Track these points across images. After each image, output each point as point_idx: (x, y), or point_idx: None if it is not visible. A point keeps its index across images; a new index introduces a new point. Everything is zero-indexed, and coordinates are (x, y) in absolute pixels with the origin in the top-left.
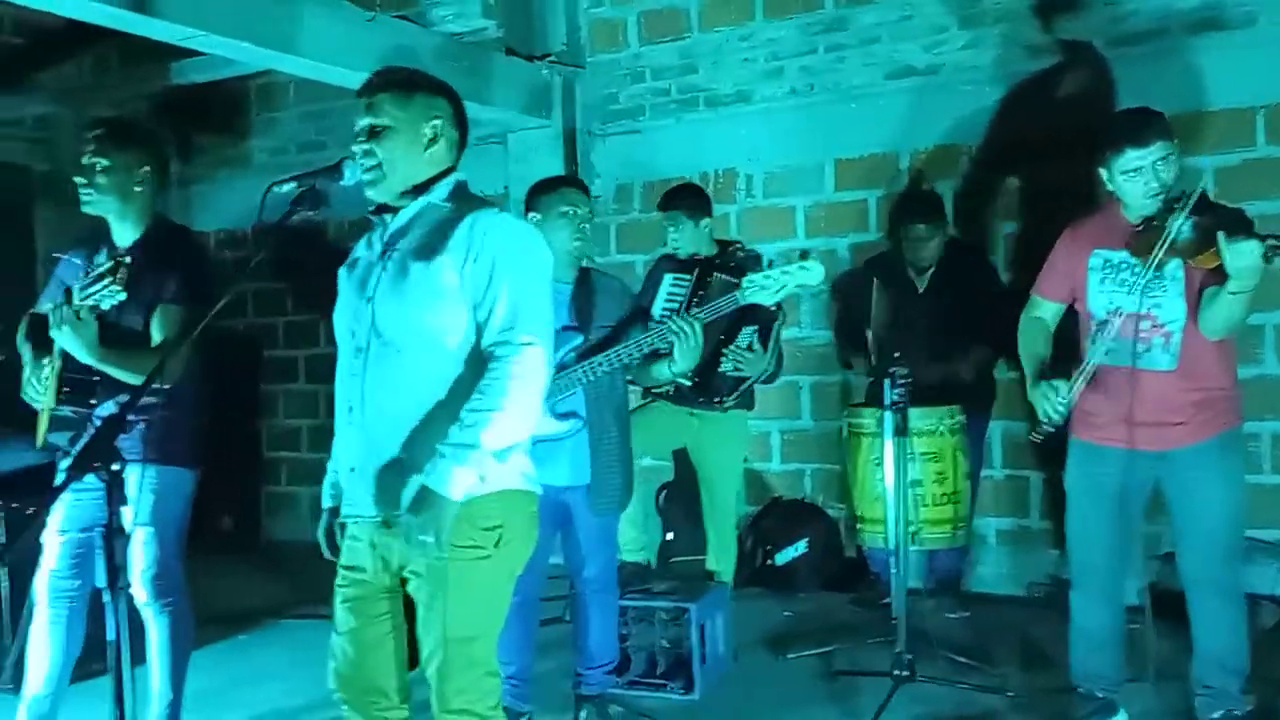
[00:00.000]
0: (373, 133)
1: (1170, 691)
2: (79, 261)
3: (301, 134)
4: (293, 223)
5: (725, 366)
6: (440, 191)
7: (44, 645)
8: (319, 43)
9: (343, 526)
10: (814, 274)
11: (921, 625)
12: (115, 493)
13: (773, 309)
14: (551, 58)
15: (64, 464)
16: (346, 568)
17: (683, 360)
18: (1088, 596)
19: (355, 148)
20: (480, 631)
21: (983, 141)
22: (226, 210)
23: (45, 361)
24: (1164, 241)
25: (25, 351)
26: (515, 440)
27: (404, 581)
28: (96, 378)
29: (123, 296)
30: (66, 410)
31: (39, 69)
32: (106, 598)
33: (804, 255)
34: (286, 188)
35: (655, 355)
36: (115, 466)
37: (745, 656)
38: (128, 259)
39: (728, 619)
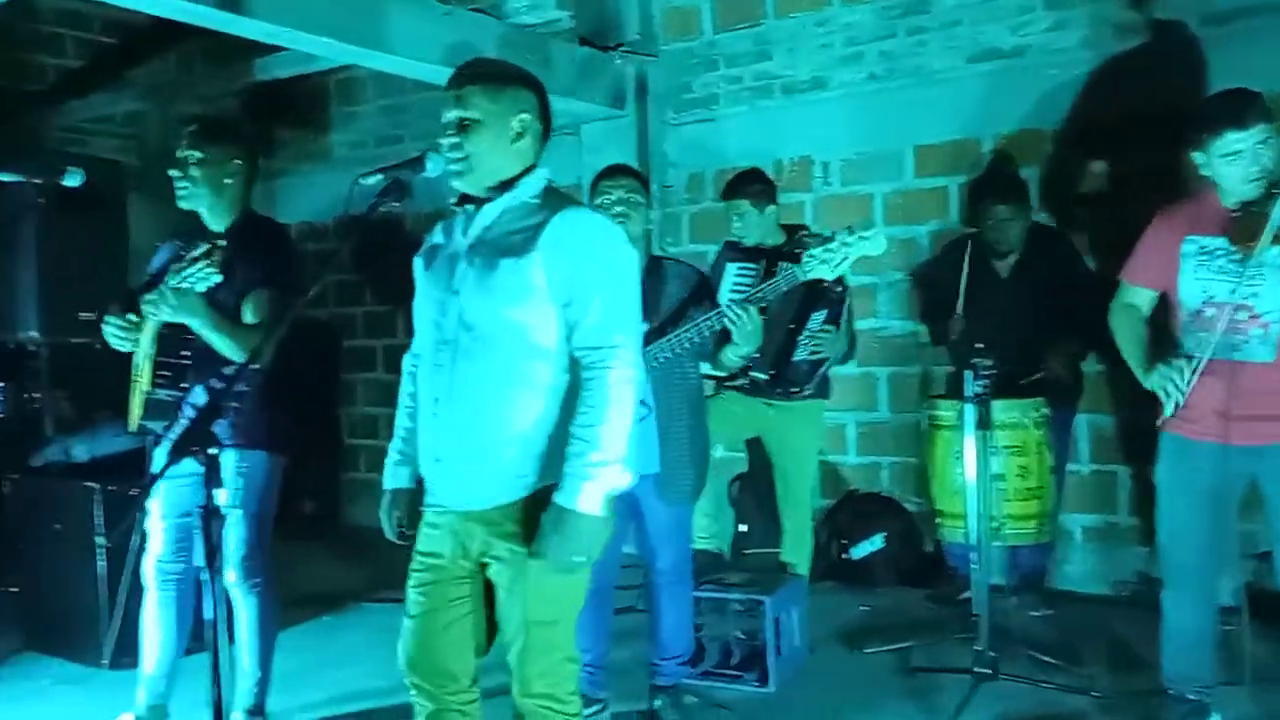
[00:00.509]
0: (461, 126)
1: (1268, 696)
2: (172, 251)
3: (380, 128)
4: (376, 215)
5: (800, 353)
6: (529, 188)
7: (156, 628)
8: (398, 37)
9: (419, 513)
10: (875, 244)
11: (1004, 623)
12: (213, 476)
13: (838, 290)
14: (625, 47)
15: (160, 450)
16: (423, 554)
17: (743, 344)
18: (1181, 596)
19: (443, 140)
20: (561, 615)
21: (1068, 125)
22: (308, 203)
23: (130, 329)
24: (1271, 229)
25: (114, 337)
26: (626, 443)
27: (483, 566)
28: (188, 361)
29: (217, 279)
30: (161, 394)
31: (129, 67)
32: (204, 577)
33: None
34: (372, 180)
35: (725, 341)
36: (213, 451)
37: (821, 650)
38: (222, 243)
39: (803, 612)
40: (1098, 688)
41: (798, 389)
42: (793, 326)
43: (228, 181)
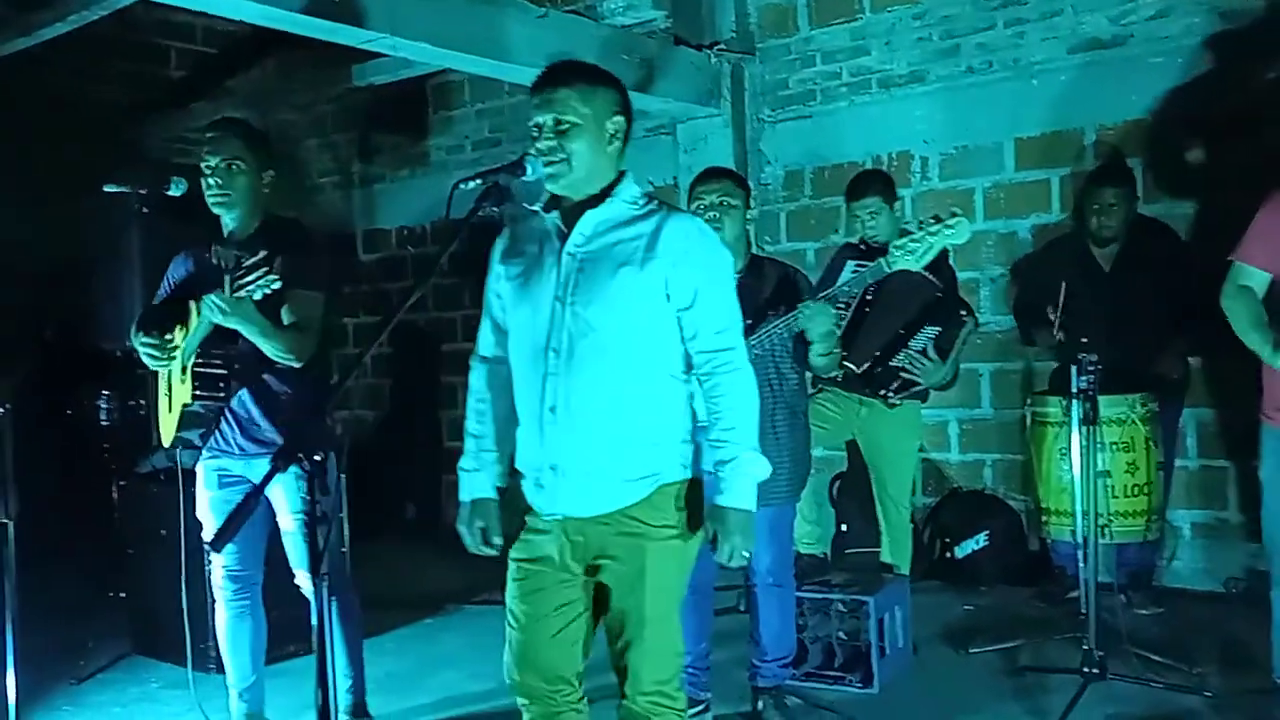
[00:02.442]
0: (559, 128)
1: None
2: (189, 262)
3: (477, 131)
4: (475, 219)
5: (900, 360)
6: (629, 193)
7: (233, 639)
8: (496, 41)
9: (511, 521)
10: (960, 232)
11: (1112, 621)
12: (317, 482)
13: (963, 314)
14: (721, 45)
15: (210, 459)
16: (526, 560)
17: (819, 342)
18: None
19: (540, 144)
20: (674, 611)
21: (1173, 115)
22: (406, 208)
23: (168, 347)
24: None
25: (138, 341)
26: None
27: (591, 570)
28: (226, 369)
29: (278, 285)
30: (198, 405)
31: (229, 76)
32: (308, 585)
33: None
34: (472, 185)
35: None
36: (318, 456)
37: (925, 650)
38: (275, 251)
39: (907, 612)
40: (1209, 687)
41: (885, 394)
42: (901, 332)
43: (265, 190)
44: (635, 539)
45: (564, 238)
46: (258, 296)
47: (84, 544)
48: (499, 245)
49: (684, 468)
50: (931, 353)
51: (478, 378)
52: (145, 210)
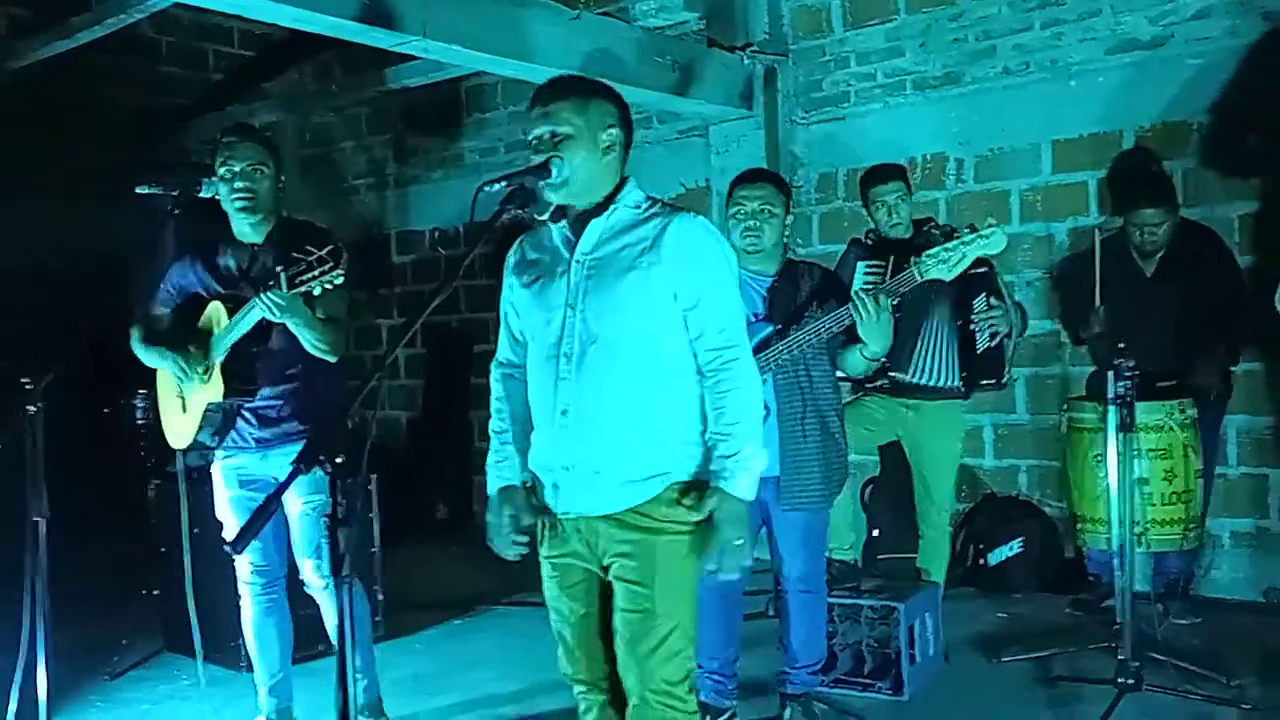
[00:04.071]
0: (554, 140)
1: None
2: (193, 265)
3: (510, 134)
4: (502, 221)
5: (982, 341)
6: (632, 198)
7: (260, 635)
8: (528, 44)
9: (547, 523)
10: (994, 242)
11: (1148, 631)
12: (338, 484)
13: (982, 270)
14: (754, 47)
15: (226, 458)
16: (558, 556)
17: (872, 342)
18: None
19: (535, 156)
20: (687, 609)
21: (1214, 116)
22: (440, 209)
23: (197, 357)
24: None
25: (152, 356)
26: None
27: (605, 569)
28: (256, 367)
29: (340, 280)
30: (225, 403)
31: (266, 79)
32: (330, 585)
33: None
34: (496, 187)
35: (850, 343)
36: (339, 458)
37: (956, 658)
38: (340, 246)
39: (937, 619)
40: (1247, 699)
41: (994, 380)
42: (960, 322)
43: (280, 195)
44: (646, 535)
45: (572, 246)
46: (318, 292)
47: (120, 542)
48: (511, 257)
49: (695, 467)
50: (994, 301)
51: (496, 382)
52: (177, 211)
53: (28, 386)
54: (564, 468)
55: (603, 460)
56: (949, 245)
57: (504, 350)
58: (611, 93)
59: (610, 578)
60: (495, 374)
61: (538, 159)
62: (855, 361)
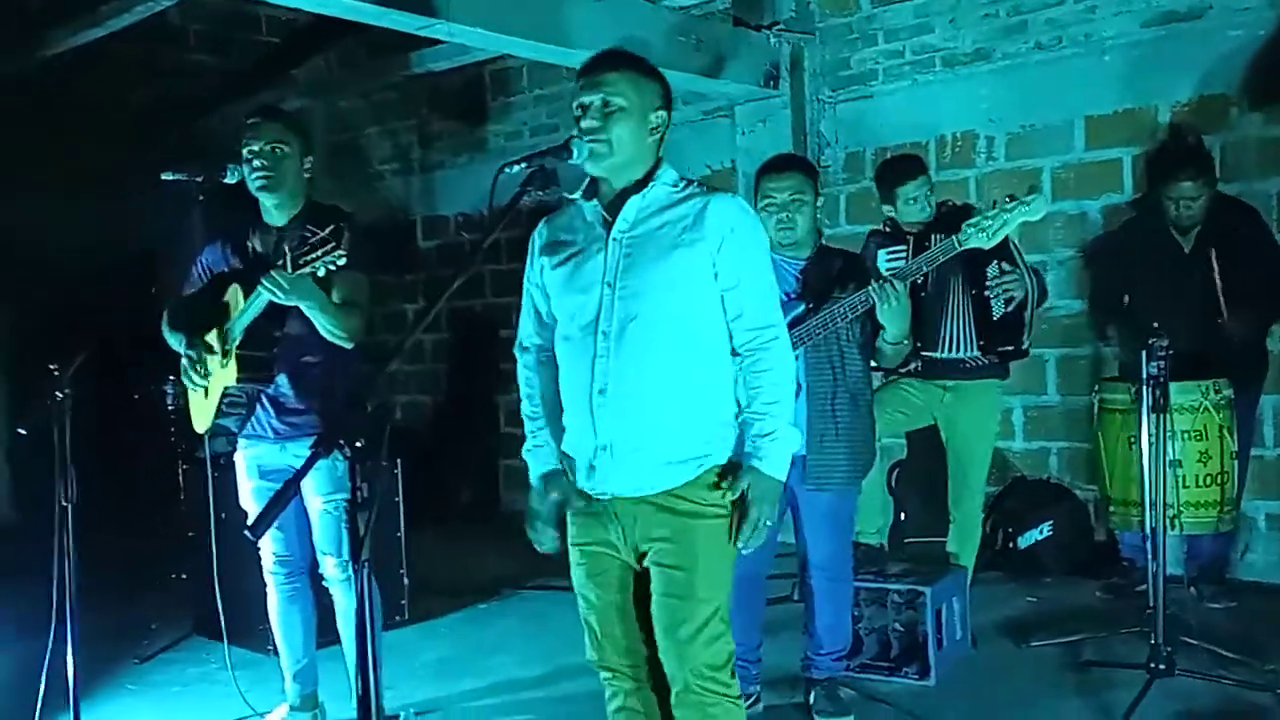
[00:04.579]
0: (606, 110)
1: None
2: (223, 247)
3: (534, 117)
4: (525, 203)
5: (997, 307)
6: (668, 176)
7: (285, 623)
8: (554, 26)
9: (578, 508)
10: (1035, 208)
11: (1181, 615)
12: (357, 469)
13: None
14: (780, 25)
15: (249, 445)
16: (587, 543)
17: (891, 325)
18: None
19: (584, 122)
20: (725, 592)
21: (1254, 90)
22: (465, 194)
23: (201, 346)
24: None
25: (175, 340)
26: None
27: (640, 556)
28: (271, 353)
29: (344, 261)
30: (241, 388)
31: (292, 65)
32: (348, 573)
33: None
34: (516, 169)
35: (876, 330)
36: (358, 443)
37: (985, 643)
38: (343, 226)
39: (965, 603)
40: None
41: (1013, 347)
42: (974, 291)
43: (306, 176)
44: (685, 519)
45: (608, 224)
46: (321, 273)
47: (150, 527)
48: (538, 239)
49: (731, 450)
50: (1005, 266)
51: (523, 365)
52: (203, 198)
53: (55, 373)
54: (601, 447)
55: (642, 438)
56: (989, 213)
57: (528, 333)
58: (661, 75)
59: (647, 564)
60: (522, 359)
61: (584, 125)
62: (881, 350)
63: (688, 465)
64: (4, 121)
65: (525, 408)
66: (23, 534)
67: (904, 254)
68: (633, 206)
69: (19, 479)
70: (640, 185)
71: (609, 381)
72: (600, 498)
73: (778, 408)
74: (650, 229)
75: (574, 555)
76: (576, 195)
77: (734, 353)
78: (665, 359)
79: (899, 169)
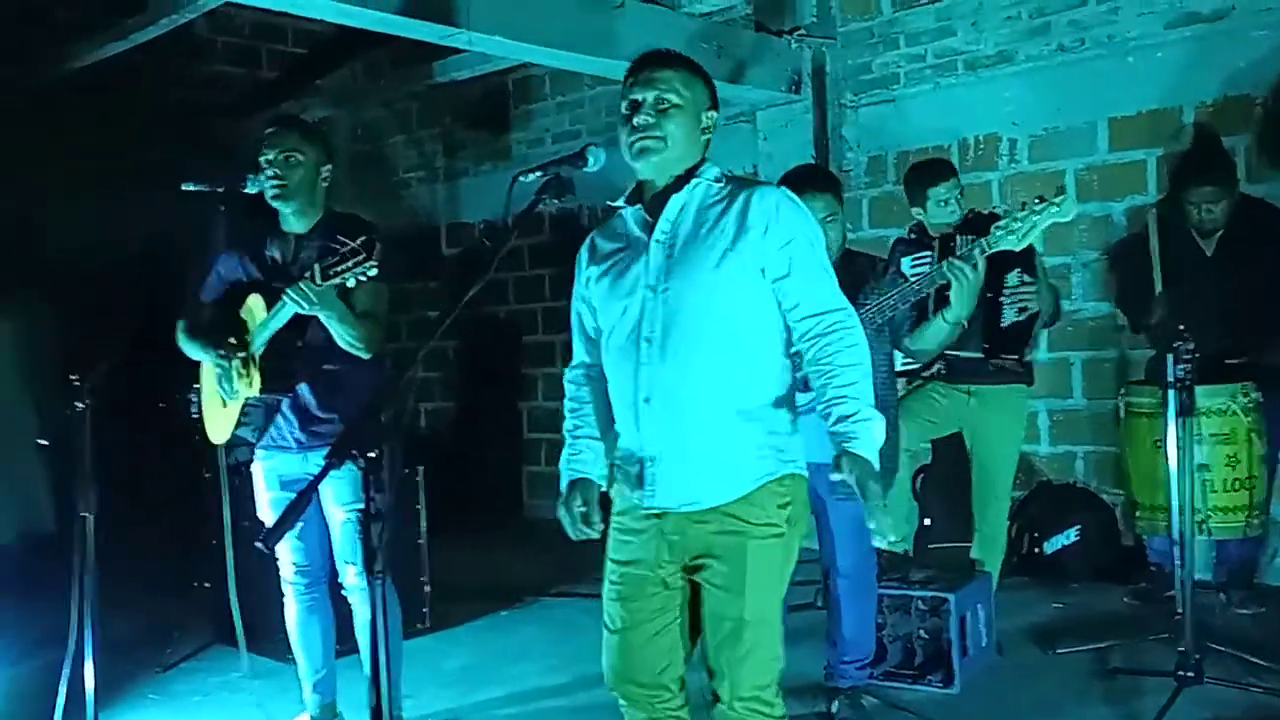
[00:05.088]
0: (659, 107)
1: None
2: (240, 256)
3: (557, 124)
4: (543, 211)
5: (1008, 315)
6: (711, 172)
7: (304, 633)
8: (573, 34)
9: (622, 525)
10: (1065, 209)
11: (1209, 622)
12: (371, 479)
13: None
14: (801, 30)
15: (269, 454)
16: (621, 562)
17: (959, 305)
18: None
19: (637, 119)
20: (775, 612)
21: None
22: (488, 201)
23: (237, 352)
24: None
25: (195, 349)
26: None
27: (690, 570)
28: (293, 362)
29: (375, 273)
30: (263, 398)
31: (318, 76)
32: (362, 583)
33: (1059, 191)
34: (532, 177)
35: (921, 317)
36: (372, 454)
37: (1010, 650)
38: (374, 238)
39: (990, 610)
40: None
41: (1016, 355)
42: (990, 294)
43: (323, 184)
44: (737, 537)
45: (650, 227)
46: (351, 284)
47: (172, 536)
48: (585, 253)
49: (786, 461)
50: (1027, 278)
51: (573, 384)
52: (224, 208)
53: (76, 384)
54: (649, 458)
55: (690, 448)
56: (1018, 215)
57: (579, 353)
58: (709, 76)
59: (698, 579)
60: (571, 376)
61: (638, 121)
62: (937, 329)
63: (741, 480)
64: (32, 132)
65: (569, 422)
66: (61, 544)
67: (929, 259)
68: (675, 205)
69: (58, 490)
70: (682, 182)
71: (653, 390)
72: (650, 512)
73: (857, 388)
74: (692, 227)
75: (609, 572)
76: (619, 202)
77: (795, 354)
78: (711, 364)
79: (930, 171)
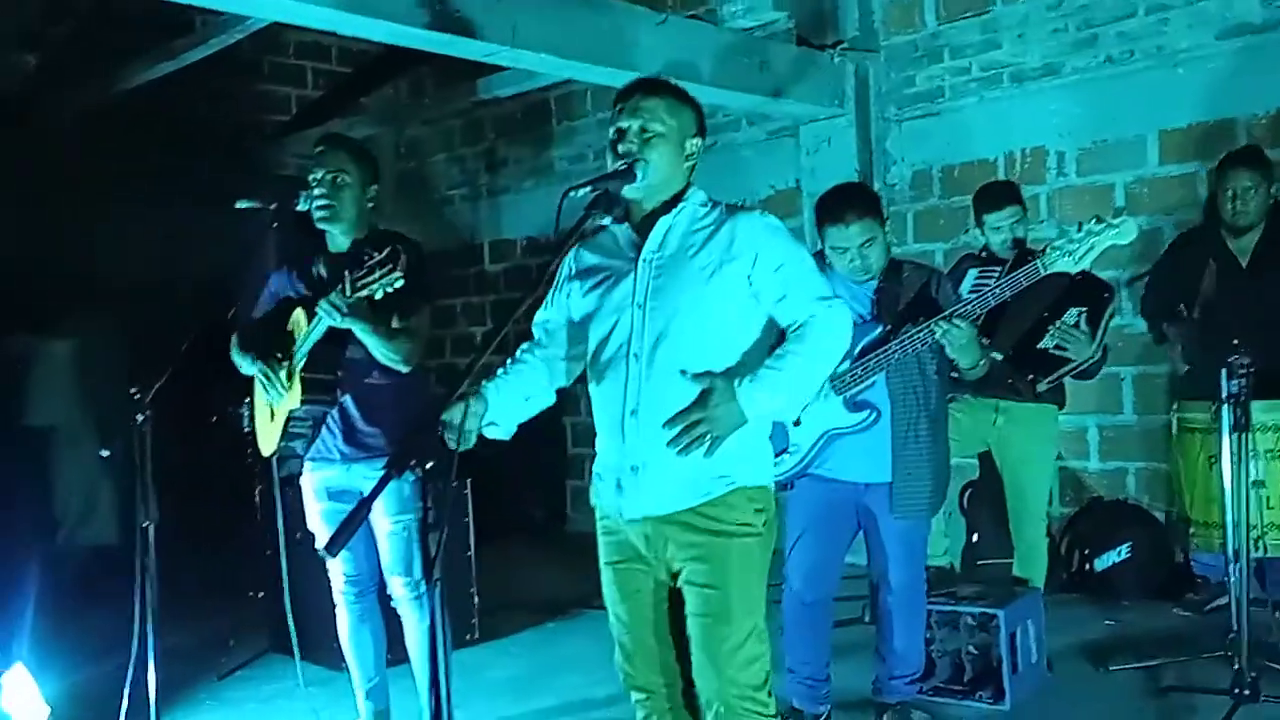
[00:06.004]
0: (644, 136)
1: None
2: (290, 272)
3: (599, 141)
4: (589, 226)
5: (1047, 342)
6: (698, 197)
7: (356, 643)
8: (616, 50)
9: (606, 529)
10: (1125, 232)
11: (1265, 639)
12: (429, 489)
13: (1105, 295)
14: (844, 44)
15: (317, 468)
16: (618, 562)
17: (962, 359)
18: None
19: (621, 146)
20: (759, 611)
21: None
22: (531, 218)
23: (282, 365)
24: None
25: (245, 363)
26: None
27: (674, 575)
28: (334, 375)
29: (401, 283)
30: (305, 410)
31: (363, 94)
32: (418, 592)
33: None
34: (581, 193)
35: None
36: (429, 465)
37: (1061, 667)
38: (399, 248)
39: (1040, 626)
40: None
41: (1034, 378)
42: (1045, 314)
43: (369, 204)
44: (718, 537)
45: (638, 247)
46: (379, 295)
47: (229, 546)
48: (569, 265)
49: (761, 473)
50: (1084, 324)
51: (524, 352)
52: (276, 224)
53: (136, 397)
54: (631, 468)
55: (672, 458)
56: (1075, 235)
57: (537, 326)
58: (696, 102)
59: (681, 583)
60: (525, 351)
61: (622, 149)
62: (966, 370)
63: (714, 483)
64: (84, 152)
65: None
66: (124, 554)
67: (997, 273)
68: (663, 227)
69: (121, 501)
70: (669, 206)
71: (640, 403)
72: (630, 517)
73: (789, 361)
74: (680, 249)
75: (606, 575)
76: (608, 220)
77: (785, 329)
78: (695, 379)
79: (988, 196)
